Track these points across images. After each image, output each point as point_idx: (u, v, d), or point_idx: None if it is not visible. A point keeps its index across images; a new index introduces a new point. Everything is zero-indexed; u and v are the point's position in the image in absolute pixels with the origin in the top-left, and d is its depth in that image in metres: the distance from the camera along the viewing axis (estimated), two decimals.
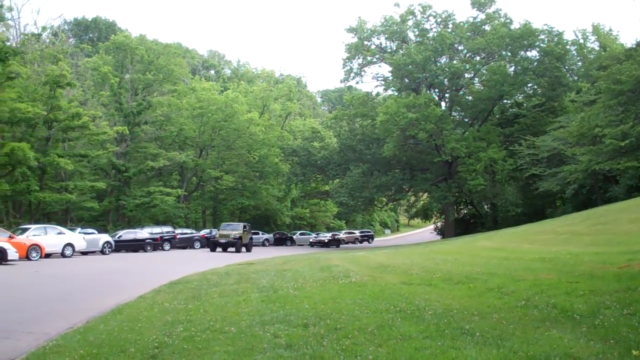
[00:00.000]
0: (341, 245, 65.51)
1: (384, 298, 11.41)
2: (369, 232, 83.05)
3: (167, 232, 45.78)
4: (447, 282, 13.55)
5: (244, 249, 42.72)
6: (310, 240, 64.57)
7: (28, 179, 43.47)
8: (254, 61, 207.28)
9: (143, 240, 42.17)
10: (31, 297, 14.55)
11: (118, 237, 41.20)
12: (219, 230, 45.35)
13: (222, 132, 64.28)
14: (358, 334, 8.06)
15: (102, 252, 36.58)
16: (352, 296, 11.87)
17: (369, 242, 75.85)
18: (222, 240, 41.93)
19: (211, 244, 43.54)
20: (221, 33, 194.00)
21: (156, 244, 42.96)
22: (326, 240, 63.54)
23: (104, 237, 38.35)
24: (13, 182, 42.16)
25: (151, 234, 43.81)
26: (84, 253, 35.17)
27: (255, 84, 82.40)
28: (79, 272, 22.54)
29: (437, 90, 60.06)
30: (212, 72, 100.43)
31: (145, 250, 41.45)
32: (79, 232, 37.25)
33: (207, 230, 54.91)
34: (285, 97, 76.78)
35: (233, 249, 41.80)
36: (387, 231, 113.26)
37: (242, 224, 45.72)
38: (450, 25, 59.26)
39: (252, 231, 62.58)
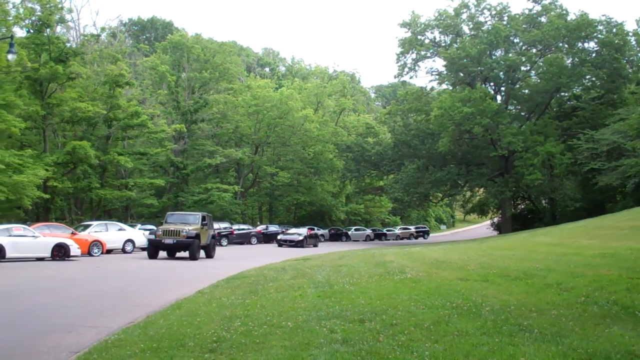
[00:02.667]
0: (396, 241, 65.27)
1: (440, 294, 11.37)
2: (424, 227, 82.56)
3: (225, 228, 46.32)
4: (505, 278, 13.43)
5: (202, 253, 29.27)
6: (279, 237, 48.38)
7: (89, 176, 44.55)
8: (308, 58, 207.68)
9: None
10: (93, 292, 14.88)
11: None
12: (163, 222, 30.53)
13: (277, 129, 64.61)
14: (414, 329, 8.07)
15: None
16: (407, 292, 11.85)
17: (424, 238, 75.40)
18: (168, 241, 27.29)
19: (151, 247, 28.24)
20: (276, 30, 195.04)
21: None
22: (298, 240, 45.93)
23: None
24: (75, 180, 43.28)
25: None
26: (144, 249, 35.79)
27: (309, 81, 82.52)
28: (139, 268, 22.99)
29: (492, 83, 59.20)
30: (267, 69, 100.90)
31: None
32: (139, 229, 38.00)
33: (264, 226, 55.42)
34: (339, 93, 76.71)
35: (186, 254, 28.27)
36: (443, 227, 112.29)
37: (199, 214, 29.93)
38: (505, 18, 58.37)
39: (308, 227, 62.95)
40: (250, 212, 67.87)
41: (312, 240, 46.75)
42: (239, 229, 49.17)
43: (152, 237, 29.42)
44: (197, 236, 27.90)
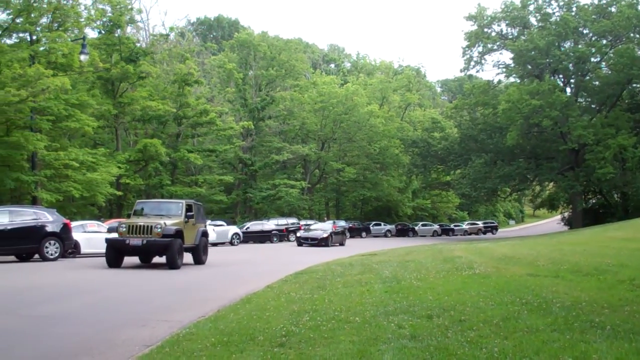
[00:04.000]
0: (463, 236, 64.55)
1: (509, 290, 11.22)
2: (493, 223, 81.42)
3: (292, 224, 46.75)
4: (576, 274, 13.16)
5: (186, 258, 21.14)
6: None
7: (160, 173, 45.56)
8: (372, 53, 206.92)
9: (269, 231, 43.28)
10: (165, 286, 15.13)
11: (246, 229, 42.56)
12: (131, 214, 21.75)
13: (343, 125, 64.69)
14: (483, 326, 7.97)
15: (231, 243, 37.89)
16: (476, 288, 11.73)
17: (492, 233, 74.35)
18: (135, 242, 19.42)
19: (110, 250, 19.90)
20: (341, 27, 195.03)
21: (282, 235, 43.96)
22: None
23: (233, 229, 39.70)
24: (146, 177, 44.33)
25: (277, 225, 44.89)
26: (214, 244, 36.40)
27: (374, 76, 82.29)
28: (209, 263, 23.30)
29: (561, 75, 57.85)
30: (332, 65, 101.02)
31: (271, 241, 42.54)
32: (209, 224, 38.60)
33: (330, 222, 55.52)
34: (405, 88, 76.29)
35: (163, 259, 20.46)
36: (512, 222, 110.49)
37: (182, 203, 21.57)
38: (574, 9, 56.88)
39: (374, 222, 62.78)
40: (317, 208, 68.17)
41: (338, 237, 39.57)
42: (306, 225, 49.44)
43: (113, 235, 20.50)
44: (179, 234, 19.94)
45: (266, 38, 64.73)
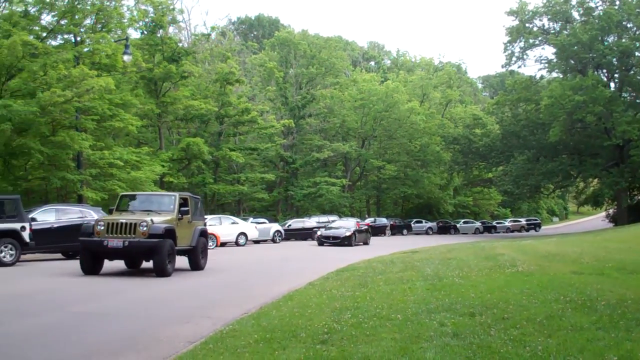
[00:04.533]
0: (506, 234, 63.95)
1: (553, 288, 11.14)
2: (536, 220, 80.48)
3: (333, 221, 46.73)
4: (621, 272, 13.00)
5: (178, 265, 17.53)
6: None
7: (203, 172, 46.06)
8: (412, 50, 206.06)
9: (311, 229, 43.40)
10: (209, 283, 15.30)
11: (287, 226, 42.82)
12: (113, 209, 18.14)
13: (383, 122, 64.60)
14: (526, 324, 7.94)
15: (273, 241, 38.15)
16: (519, 285, 11.67)
17: (535, 231, 73.45)
18: (115, 244, 16.08)
19: (85, 254, 16.79)
20: (381, 24, 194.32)
21: None
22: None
23: (275, 226, 39.97)
24: (189, 175, 44.89)
25: (318, 222, 44.98)
26: (256, 242, 36.81)
27: (414, 73, 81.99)
28: (252, 260, 23.55)
29: (605, 70, 56.92)
30: (372, 63, 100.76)
31: (312, 239, 42.58)
32: (251, 222, 38.99)
33: (372, 219, 55.52)
34: (445, 84, 75.83)
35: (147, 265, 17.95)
36: (555, 219, 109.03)
37: (175, 196, 18.24)
38: (617, 2, 55.91)
39: (416, 220, 62.43)
40: (358, 205, 68.19)
41: (361, 236, 36.64)
42: (327, 223, 49.53)
43: (89, 236, 16.50)
44: (169, 233, 16.42)
45: (306, 36, 64.92)
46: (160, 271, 16.19)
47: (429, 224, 63.02)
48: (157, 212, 17.23)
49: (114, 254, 16.72)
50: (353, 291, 12.08)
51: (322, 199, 57.77)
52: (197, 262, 18.42)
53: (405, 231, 57.71)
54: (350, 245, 33.57)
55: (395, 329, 7.98)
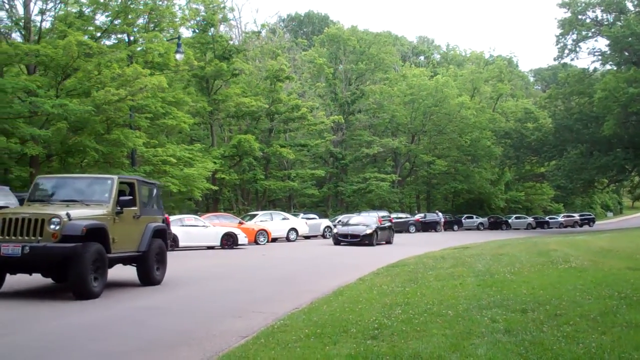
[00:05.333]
0: (559, 229, 62.96)
1: (607, 284, 10.97)
2: (589, 215, 79.07)
3: (383, 217, 46.69)
4: None
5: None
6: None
7: (254, 168, 46.48)
8: (462, 44, 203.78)
9: None
10: (260, 279, 15.43)
11: (337, 222, 42.83)
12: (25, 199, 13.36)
13: (433, 117, 64.18)
14: (580, 320, 7.86)
15: (323, 236, 38.22)
16: (572, 282, 11.53)
17: (589, 226, 72.19)
18: (10, 251, 10.68)
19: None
20: (430, 18, 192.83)
21: None
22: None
23: (325, 222, 40.07)
24: (241, 172, 45.35)
25: None
26: (307, 237, 36.97)
27: (464, 67, 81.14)
28: (302, 256, 23.68)
29: None
30: (422, 58, 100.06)
31: None
32: (302, 218, 39.15)
33: (422, 215, 55.29)
34: (496, 78, 74.84)
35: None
36: (609, 214, 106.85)
37: (113, 180, 12.79)
38: None
39: (466, 215, 61.89)
40: (408, 201, 67.93)
41: (384, 233, 31.95)
42: (397, 218, 49.41)
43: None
44: (97, 234, 11.58)
45: (356, 32, 64.91)
46: (79, 290, 11.17)
47: (480, 220, 62.49)
48: (84, 202, 12.29)
49: (9, 266, 11.34)
50: (403, 287, 12.07)
51: (372, 194, 57.81)
52: (148, 273, 13.31)
53: (455, 227, 57.28)
54: (371, 244, 29.41)
55: (446, 325, 7.96)
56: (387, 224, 34.49)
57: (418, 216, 53.85)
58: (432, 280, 13.14)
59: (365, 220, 33.18)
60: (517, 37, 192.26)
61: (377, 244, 30.29)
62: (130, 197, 12.64)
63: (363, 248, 27.88)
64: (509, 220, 65.15)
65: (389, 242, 32.52)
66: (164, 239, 14.36)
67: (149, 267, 13.34)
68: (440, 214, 56.02)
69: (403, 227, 48.67)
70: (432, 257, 20.04)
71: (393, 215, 49.15)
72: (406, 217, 51.47)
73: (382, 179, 57.98)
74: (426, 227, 51.73)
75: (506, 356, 6.32)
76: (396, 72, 70.59)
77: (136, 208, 12.90)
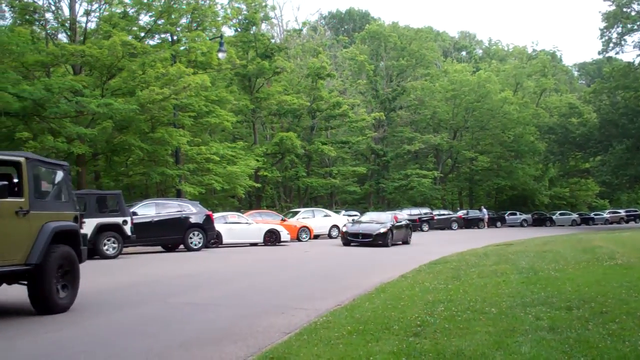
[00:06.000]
0: (604, 225, 61.91)
1: None
2: (636, 211, 77.62)
3: (425, 214, 46.63)
4: None
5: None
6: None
7: (296, 165, 46.71)
8: (505, 38, 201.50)
9: None
10: (302, 275, 15.52)
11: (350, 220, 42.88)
12: None
13: (475, 113, 63.63)
14: (626, 318, 7.77)
15: None
16: (618, 279, 11.39)
17: (635, 222, 70.84)
18: None
19: None
20: (471, 13, 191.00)
21: (415, 225, 43.84)
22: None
23: None
24: (283, 169, 45.64)
25: (410, 215, 44.86)
26: None
27: (507, 62, 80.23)
28: (344, 252, 23.73)
29: None
30: (464, 53, 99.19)
31: None
32: (343, 215, 39.19)
33: (464, 211, 54.94)
34: (539, 73, 73.80)
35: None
36: None
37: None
38: None
39: (510, 212, 61.25)
40: (450, 198, 67.54)
41: (400, 233, 28.44)
42: (439, 215, 49.23)
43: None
44: None
45: (397, 28, 64.69)
46: None
47: (524, 216, 61.79)
48: None
49: None
50: (446, 284, 12.05)
51: (414, 191, 57.61)
52: (43, 295, 9.33)
53: (498, 224, 56.81)
54: (385, 245, 26.18)
55: (489, 322, 7.94)
56: (404, 221, 30.51)
57: (460, 213, 53.51)
58: (474, 277, 13.09)
59: (379, 218, 29.55)
60: (560, 31, 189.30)
61: (393, 245, 27.19)
62: (6, 183, 8.88)
63: (402, 245, 27.80)
64: (553, 217, 64.30)
65: (406, 242, 29.06)
66: (75, 245, 10.26)
67: (45, 287, 9.27)
68: (485, 210, 55.55)
69: (445, 224, 48.54)
70: (474, 254, 19.93)
71: (435, 212, 49.08)
72: (448, 214, 51.27)
73: (423, 175, 57.77)
74: (469, 224, 51.42)
75: (550, 354, 6.28)
76: (438, 68, 70.22)
77: (22, 199, 9.04)
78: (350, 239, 27.06)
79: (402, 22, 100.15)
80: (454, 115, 63.88)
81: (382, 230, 26.63)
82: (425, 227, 44.72)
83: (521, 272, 13.53)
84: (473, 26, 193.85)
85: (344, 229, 28.51)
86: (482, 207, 57.21)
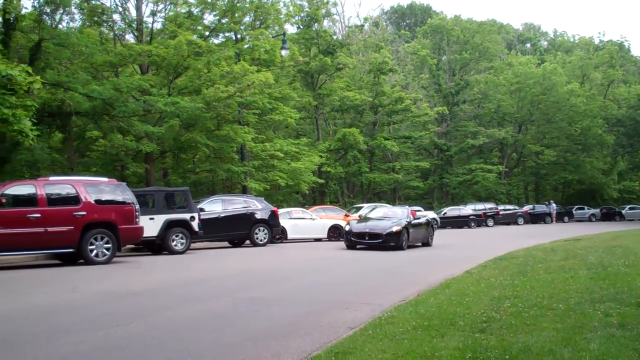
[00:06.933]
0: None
1: None
2: None
3: (490, 209, 46.20)
4: None
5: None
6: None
7: (359, 161, 46.81)
8: (570, 29, 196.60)
9: (467, 216, 43.12)
10: (367, 270, 15.57)
11: (443, 214, 42.66)
12: None
13: (541, 106, 62.53)
14: None
15: None
16: None
17: None
18: None
19: None
20: (536, 4, 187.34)
21: (480, 220, 43.57)
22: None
23: (430, 214, 39.83)
24: (346, 165, 45.79)
25: (474, 210, 44.58)
26: None
27: (573, 54, 78.52)
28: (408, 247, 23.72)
29: None
30: (528, 45, 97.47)
31: (469, 226, 42.29)
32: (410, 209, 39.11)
33: (530, 206, 54.16)
34: (607, 64, 71.92)
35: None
36: None
37: None
38: None
39: (577, 206, 60.06)
40: (516, 192, 66.56)
41: (418, 232, 23.50)
42: (504, 210, 48.69)
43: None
44: None
45: (459, 22, 64.16)
46: None
47: (592, 211, 60.49)
48: None
49: None
50: (512, 280, 11.94)
51: (478, 186, 57.15)
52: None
53: (566, 218, 55.74)
54: (398, 247, 21.51)
55: (556, 318, 7.85)
56: (424, 219, 25.46)
57: (526, 208, 52.77)
58: (541, 273, 12.92)
59: (392, 213, 24.38)
60: (628, 21, 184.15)
61: (409, 247, 22.46)
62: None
63: (467, 241, 27.52)
64: (623, 211, 62.68)
65: (426, 243, 24.21)
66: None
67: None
68: (553, 204, 54.52)
69: (511, 219, 48.08)
70: (541, 249, 19.68)
71: (500, 207, 48.57)
72: (514, 209, 50.67)
73: (488, 170, 57.22)
74: (535, 218, 50.67)
75: (620, 351, 6.21)
76: (501, 60, 69.29)
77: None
78: (355, 240, 22.08)
79: (464, 15, 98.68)
80: (519, 108, 62.98)
81: (395, 228, 21.68)
82: (491, 222, 44.39)
83: (590, 268, 13.32)
84: (537, 18, 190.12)
85: (347, 228, 23.04)
86: (551, 201, 56.15)
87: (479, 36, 62.34)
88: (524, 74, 61.73)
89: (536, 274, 12.81)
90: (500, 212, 47.01)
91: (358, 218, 26.04)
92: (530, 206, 54.43)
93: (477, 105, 62.09)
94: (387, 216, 23.63)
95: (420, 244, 23.83)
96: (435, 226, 37.69)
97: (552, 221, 51.41)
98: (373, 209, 26.26)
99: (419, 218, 24.59)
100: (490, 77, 62.47)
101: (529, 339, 6.77)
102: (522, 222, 48.35)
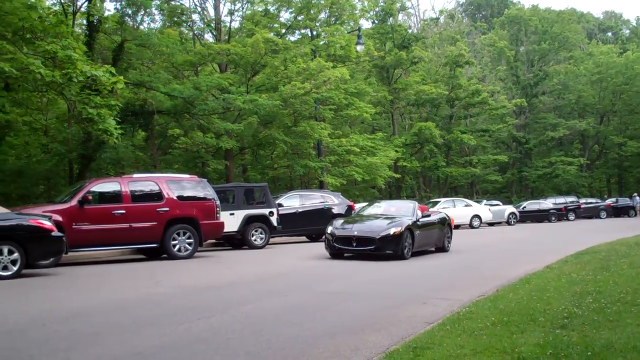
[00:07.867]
0: None
1: None
2: None
3: (571, 202, 45.19)
4: None
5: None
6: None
7: (435, 155, 46.58)
8: None
9: (547, 210, 42.27)
10: (443, 265, 15.46)
11: (522, 208, 41.93)
12: None
13: (623, 96, 60.66)
14: None
15: (508, 223, 37.58)
16: None
17: None
18: None
19: None
20: None
21: (560, 214, 42.66)
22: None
23: (509, 209, 39.31)
24: (422, 159, 45.64)
25: (555, 204, 43.67)
26: (490, 224, 36.58)
27: None
28: (486, 242, 23.45)
29: None
30: (609, 34, 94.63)
31: (549, 221, 41.46)
32: (485, 204, 38.71)
33: (614, 199, 52.67)
34: None
35: None
36: None
37: None
38: None
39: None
40: (598, 185, 64.97)
41: (426, 234, 17.60)
42: (586, 203, 47.53)
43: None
44: None
45: (537, 11, 62.86)
46: None
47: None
48: None
49: None
50: (594, 275, 11.74)
51: (558, 179, 55.96)
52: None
53: None
54: (399, 256, 16.01)
55: None
56: (436, 217, 18.86)
57: (609, 201, 51.33)
58: (625, 267, 12.65)
59: (392, 210, 18.36)
60: None
61: (416, 254, 16.92)
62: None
63: (547, 235, 27.02)
64: None
65: (441, 248, 18.63)
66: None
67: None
68: (637, 197, 52.72)
69: (593, 213, 46.87)
70: (625, 243, 19.20)
71: (582, 201, 47.46)
72: (596, 202, 49.34)
73: (569, 162, 55.97)
74: (618, 212, 49.19)
75: None
76: (582, 50, 67.54)
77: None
78: (339, 246, 16.48)
79: (542, 4, 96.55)
80: (601, 99, 61.31)
81: (393, 230, 16.01)
82: (572, 216, 43.39)
83: None
84: (619, 5, 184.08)
85: (329, 229, 16.89)
86: (635, 194, 54.39)
87: (558, 26, 60.98)
88: (606, 63, 60.04)
89: (620, 269, 12.56)
90: (582, 206, 45.89)
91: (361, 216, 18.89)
92: (613, 199, 52.88)
93: (556, 96, 60.78)
94: (387, 214, 17.87)
95: (433, 248, 18.48)
96: (513, 221, 37.34)
97: (635, 215, 49.81)
98: (372, 204, 20.54)
99: (429, 217, 18.21)
100: (570, 67, 61.02)
101: (612, 335, 6.69)
102: (605, 216, 47.04)
